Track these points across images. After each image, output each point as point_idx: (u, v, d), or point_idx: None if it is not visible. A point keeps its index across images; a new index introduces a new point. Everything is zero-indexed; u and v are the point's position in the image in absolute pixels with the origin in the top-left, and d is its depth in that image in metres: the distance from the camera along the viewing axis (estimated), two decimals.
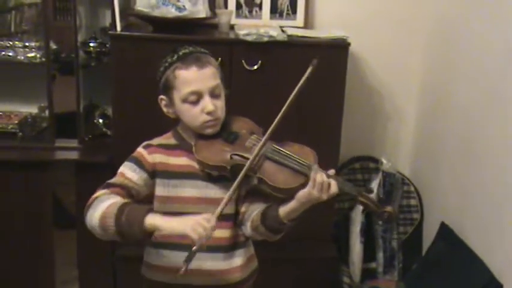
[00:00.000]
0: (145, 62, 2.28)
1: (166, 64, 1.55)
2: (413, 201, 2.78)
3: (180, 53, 1.54)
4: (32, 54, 2.53)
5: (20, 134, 2.58)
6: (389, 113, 2.86)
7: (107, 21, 2.62)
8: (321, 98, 2.36)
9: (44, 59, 2.47)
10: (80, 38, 2.55)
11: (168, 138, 1.62)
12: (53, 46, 2.56)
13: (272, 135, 1.54)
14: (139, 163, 1.55)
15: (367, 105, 2.82)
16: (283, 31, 2.40)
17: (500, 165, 2.01)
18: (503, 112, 2.00)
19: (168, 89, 1.55)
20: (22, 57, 2.52)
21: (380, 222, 2.63)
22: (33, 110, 2.68)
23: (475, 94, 2.24)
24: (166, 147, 1.59)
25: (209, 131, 1.56)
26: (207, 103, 1.51)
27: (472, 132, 2.24)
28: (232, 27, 2.49)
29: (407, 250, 2.72)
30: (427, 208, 2.73)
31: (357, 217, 2.67)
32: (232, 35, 2.40)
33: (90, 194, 2.16)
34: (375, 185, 2.67)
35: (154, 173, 1.55)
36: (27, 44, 2.53)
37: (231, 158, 1.53)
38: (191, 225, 1.34)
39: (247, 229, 1.57)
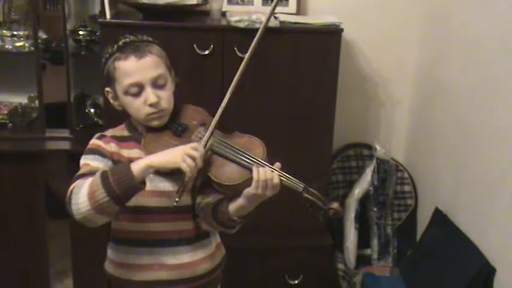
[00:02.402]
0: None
1: (107, 55, 1.49)
2: (407, 188, 2.78)
3: (120, 43, 1.49)
4: (21, 44, 2.49)
5: (10, 124, 2.56)
6: (383, 100, 2.85)
7: (97, 9, 2.58)
8: (314, 85, 2.35)
9: (33, 48, 2.43)
10: (69, 27, 2.52)
11: (121, 130, 1.57)
12: (43, 35, 2.53)
13: (220, 128, 1.48)
14: (99, 152, 1.48)
15: (361, 92, 2.81)
16: (275, 17, 2.38)
17: (493, 151, 2.01)
18: (496, 99, 2.00)
19: (110, 80, 1.50)
20: (10, 47, 2.49)
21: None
22: (23, 100, 2.65)
23: (468, 81, 2.23)
24: (119, 139, 1.53)
25: (155, 123, 1.50)
26: (149, 95, 1.45)
27: (466, 119, 2.24)
28: (224, 14, 2.46)
29: (402, 236, 2.73)
30: (421, 194, 2.73)
31: (352, 204, 2.67)
32: (224, 22, 2.37)
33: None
34: (369, 171, 2.67)
35: (113, 162, 1.48)
36: (15, 33, 2.50)
37: None
38: (180, 155, 1.32)
39: (202, 223, 1.54)
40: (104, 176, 1.31)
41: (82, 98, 2.63)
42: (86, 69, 2.58)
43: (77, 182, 1.39)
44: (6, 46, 2.49)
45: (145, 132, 1.52)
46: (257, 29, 2.25)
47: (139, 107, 1.47)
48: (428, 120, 2.64)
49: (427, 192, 2.65)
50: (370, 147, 2.76)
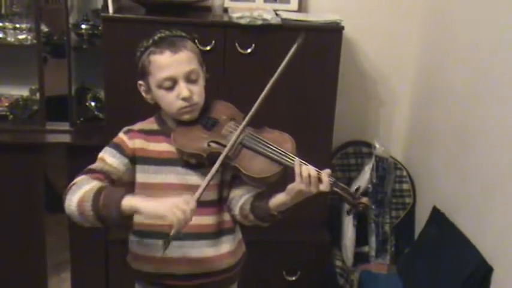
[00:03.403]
0: (138, 45, 2.27)
1: (142, 49, 1.52)
2: (405, 186, 2.79)
3: (156, 38, 1.52)
4: (23, 36, 2.50)
5: (11, 116, 2.56)
6: (383, 98, 2.86)
7: (99, 3, 2.58)
8: (315, 82, 2.35)
9: (35, 41, 2.43)
10: (71, 20, 2.52)
11: (150, 123, 1.59)
12: (45, 29, 2.54)
13: (252, 121, 1.50)
14: (120, 148, 1.52)
15: (361, 90, 2.81)
16: (277, 14, 2.38)
17: (492, 151, 2.01)
18: (495, 97, 2.00)
19: (144, 74, 1.53)
20: (13, 39, 2.49)
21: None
22: (24, 92, 2.65)
23: (467, 80, 2.24)
24: (147, 133, 1.56)
25: (186, 117, 1.53)
26: (182, 89, 1.48)
27: (465, 118, 2.24)
28: (225, 10, 2.47)
29: (400, 234, 2.74)
30: (420, 192, 2.74)
31: None
32: (225, 18, 2.37)
33: None
34: (367, 169, 2.68)
35: (134, 159, 1.53)
36: (17, 25, 2.50)
37: (208, 145, 1.50)
38: (170, 208, 1.30)
39: (236, 215, 1.55)
40: (97, 193, 1.36)
41: (83, 91, 2.64)
42: (87, 62, 2.59)
43: (83, 177, 1.43)
44: (8, 39, 2.49)
45: (175, 126, 1.54)
46: (258, 26, 2.26)
47: (172, 100, 1.50)
48: (427, 119, 2.65)
49: (426, 190, 2.66)
50: (369, 145, 2.77)
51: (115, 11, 2.29)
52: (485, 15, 2.10)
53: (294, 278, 2.48)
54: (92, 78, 2.62)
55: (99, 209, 1.34)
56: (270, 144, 1.48)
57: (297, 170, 1.40)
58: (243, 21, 2.25)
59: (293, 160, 1.43)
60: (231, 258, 1.60)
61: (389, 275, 2.55)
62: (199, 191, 1.40)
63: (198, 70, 1.52)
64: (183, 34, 1.56)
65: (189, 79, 1.50)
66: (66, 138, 2.50)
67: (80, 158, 2.39)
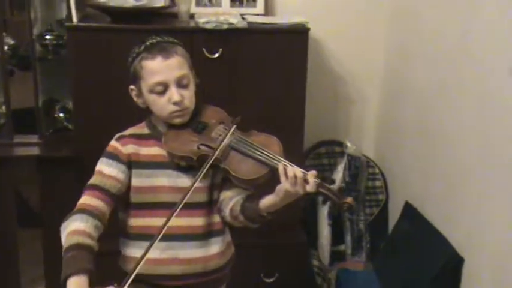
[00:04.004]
0: (104, 53, 2.25)
1: (134, 54, 1.56)
2: (378, 183, 2.82)
3: (147, 43, 1.55)
4: None
5: None
6: (353, 97, 2.89)
7: (64, 13, 2.56)
8: (283, 84, 2.37)
9: None
10: (36, 32, 2.49)
11: (141, 128, 1.62)
12: (11, 41, 2.51)
13: (240, 125, 1.55)
14: (115, 156, 1.55)
15: (330, 90, 2.84)
16: (243, 18, 2.39)
17: (456, 146, 2.06)
18: (459, 95, 2.05)
19: (136, 79, 1.56)
20: None
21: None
22: None
23: (433, 78, 2.28)
24: (138, 137, 1.59)
25: (177, 120, 1.57)
26: (173, 93, 1.52)
27: (431, 114, 2.29)
28: (192, 16, 2.47)
29: (374, 231, 2.77)
30: (392, 189, 2.78)
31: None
32: (192, 24, 2.38)
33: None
34: (340, 168, 2.70)
35: (130, 164, 1.56)
36: None
37: (198, 148, 1.54)
38: None
39: (226, 217, 1.59)
40: (68, 249, 1.37)
41: (51, 102, 2.61)
42: (54, 73, 2.55)
43: (83, 202, 1.47)
44: None
45: (166, 130, 1.58)
46: (225, 30, 2.27)
47: (163, 104, 1.53)
48: (396, 117, 2.69)
49: (398, 186, 2.70)
50: (341, 144, 2.80)
51: (80, 20, 2.28)
52: (449, 16, 2.15)
53: (272, 280, 2.49)
54: (60, 89, 2.59)
55: (62, 261, 1.36)
56: (258, 147, 1.52)
57: (281, 170, 1.44)
58: (209, 26, 2.26)
59: (276, 161, 1.48)
60: (220, 259, 1.63)
61: (365, 272, 2.58)
62: (180, 204, 1.43)
63: (188, 75, 1.56)
64: (174, 40, 1.59)
65: (180, 84, 1.54)
66: (35, 150, 2.47)
67: (50, 170, 2.40)
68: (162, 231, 1.39)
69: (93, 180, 1.53)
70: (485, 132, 1.86)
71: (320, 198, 2.63)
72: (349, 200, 1.47)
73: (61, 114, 2.59)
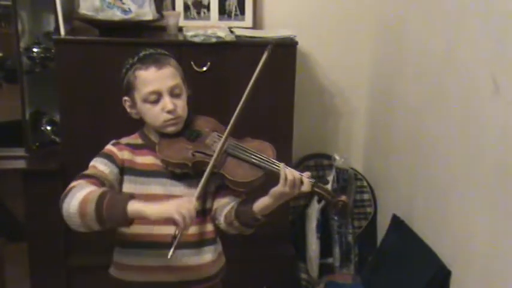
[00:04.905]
0: (92, 66, 2.25)
1: (128, 66, 1.59)
2: (366, 196, 2.83)
3: (141, 55, 1.59)
4: None
5: None
6: (341, 111, 2.91)
7: (51, 26, 2.55)
8: (272, 98, 2.38)
9: None
10: (24, 44, 2.48)
11: (135, 139, 1.65)
12: None
13: (233, 133, 1.58)
14: (110, 158, 1.57)
15: (318, 103, 2.86)
16: (231, 32, 2.41)
17: (444, 159, 2.08)
18: (445, 107, 2.07)
19: (129, 89, 1.59)
20: None
21: (334, 215, 2.66)
22: None
23: (419, 91, 2.31)
24: (133, 147, 1.61)
25: (171, 129, 1.60)
26: (167, 102, 1.55)
27: (418, 128, 2.31)
28: (180, 29, 2.48)
29: (363, 243, 2.77)
30: (380, 202, 2.79)
31: (313, 214, 2.70)
32: (180, 37, 2.38)
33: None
34: (329, 181, 2.70)
35: (123, 169, 1.58)
36: None
37: (193, 155, 1.57)
38: (175, 208, 1.37)
39: (221, 224, 1.61)
40: (102, 195, 1.39)
41: (38, 115, 2.59)
42: (42, 86, 2.54)
43: (80, 181, 1.47)
44: None
45: (159, 139, 1.61)
46: (213, 44, 2.28)
47: (157, 113, 1.57)
48: (384, 130, 2.71)
49: (385, 199, 2.71)
50: (329, 157, 2.81)
51: (67, 33, 2.27)
52: (434, 29, 2.17)
53: None
54: (47, 102, 2.57)
55: (102, 213, 1.37)
56: (253, 151, 1.57)
57: (282, 174, 1.48)
58: (197, 40, 2.26)
59: (276, 165, 1.52)
60: (213, 268, 1.65)
61: (354, 285, 2.58)
62: (198, 189, 1.49)
63: (181, 85, 1.60)
64: (167, 53, 1.64)
65: (173, 93, 1.57)
66: (21, 164, 2.45)
67: (37, 183, 2.37)
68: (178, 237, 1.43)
69: (87, 171, 1.54)
70: (473, 146, 1.88)
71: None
72: (343, 198, 1.51)
73: (48, 127, 2.58)
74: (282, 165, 1.51)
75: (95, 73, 2.25)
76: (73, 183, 1.48)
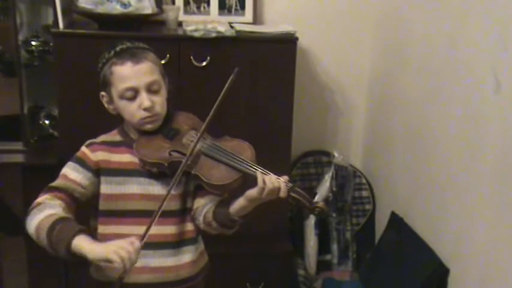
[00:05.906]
0: (91, 60, 2.21)
1: (104, 60, 1.54)
2: (365, 193, 2.83)
3: (117, 49, 1.53)
4: None
5: None
6: (340, 107, 2.90)
7: (50, 19, 2.54)
8: (271, 94, 2.37)
9: None
10: (22, 37, 2.47)
11: (113, 135, 1.61)
12: None
13: (211, 131, 1.53)
14: (83, 162, 1.54)
15: (317, 99, 2.85)
16: (231, 27, 2.40)
17: (443, 156, 2.07)
18: (445, 105, 2.07)
19: (106, 85, 1.54)
20: None
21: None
22: None
23: (420, 88, 2.30)
24: (109, 144, 1.58)
25: (148, 126, 1.55)
26: (144, 99, 1.50)
27: (418, 125, 2.30)
28: (180, 23, 2.47)
29: (361, 240, 2.77)
30: (379, 199, 2.78)
31: None
32: (180, 32, 2.37)
33: None
34: (327, 178, 2.70)
35: (98, 171, 1.54)
36: None
37: (170, 154, 1.52)
38: (114, 250, 1.32)
39: (200, 224, 1.58)
40: (53, 225, 1.38)
41: (36, 109, 2.58)
42: (40, 80, 2.53)
43: (46, 197, 1.45)
44: None
45: (137, 137, 1.56)
46: (213, 38, 2.27)
47: (134, 110, 1.52)
48: (383, 127, 2.70)
49: (384, 197, 2.71)
50: (328, 154, 2.80)
51: (66, 26, 2.26)
52: (436, 26, 2.17)
53: None
54: (45, 96, 2.56)
55: (52, 242, 1.37)
56: (229, 152, 1.51)
57: (259, 180, 1.43)
58: (197, 34, 2.25)
59: (252, 168, 1.47)
60: (193, 268, 1.62)
61: (351, 282, 2.58)
62: (149, 224, 1.42)
63: (159, 81, 1.55)
64: (145, 46, 1.57)
65: (151, 90, 1.52)
66: (19, 158, 2.44)
67: (35, 178, 2.35)
68: (144, 239, 1.40)
69: (55, 183, 1.51)
70: (472, 144, 1.87)
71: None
72: (320, 204, 1.46)
73: (46, 121, 2.57)
74: (259, 170, 1.46)
75: (93, 67, 2.23)
76: (39, 199, 1.45)
